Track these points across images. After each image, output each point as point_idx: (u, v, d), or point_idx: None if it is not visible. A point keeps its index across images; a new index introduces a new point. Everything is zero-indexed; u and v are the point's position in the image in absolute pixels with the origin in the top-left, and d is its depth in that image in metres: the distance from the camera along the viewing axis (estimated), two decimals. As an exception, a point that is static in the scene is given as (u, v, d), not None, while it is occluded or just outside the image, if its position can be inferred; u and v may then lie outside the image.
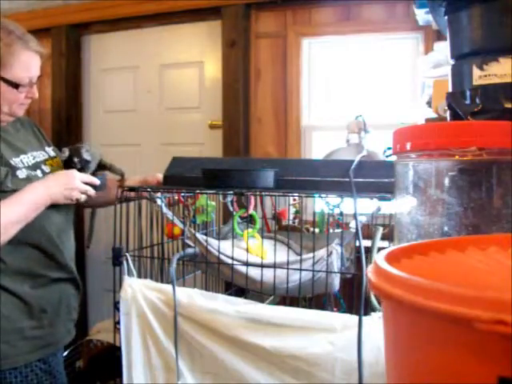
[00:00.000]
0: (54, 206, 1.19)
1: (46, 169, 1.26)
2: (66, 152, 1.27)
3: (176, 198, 1.18)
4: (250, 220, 1.25)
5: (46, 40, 3.00)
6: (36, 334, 1.20)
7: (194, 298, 0.93)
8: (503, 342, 0.26)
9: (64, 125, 2.85)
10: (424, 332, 0.32)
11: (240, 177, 1.02)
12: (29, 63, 1.20)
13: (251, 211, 1.20)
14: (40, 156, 1.27)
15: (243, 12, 2.47)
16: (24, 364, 1.17)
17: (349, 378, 0.80)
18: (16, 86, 1.17)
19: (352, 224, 1.19)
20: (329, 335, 0.82)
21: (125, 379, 0.97)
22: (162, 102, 2.74)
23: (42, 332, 1.21)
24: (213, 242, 1.06)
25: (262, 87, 2.53)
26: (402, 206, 0.64)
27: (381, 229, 0.93)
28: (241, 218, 1.26)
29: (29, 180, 1.17)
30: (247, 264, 0.99)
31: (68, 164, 1.27)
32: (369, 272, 0.38)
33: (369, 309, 0.85)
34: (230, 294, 1.09)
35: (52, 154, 1.33)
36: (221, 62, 2.51)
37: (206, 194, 1.12)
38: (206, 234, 1.17)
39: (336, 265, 0.98)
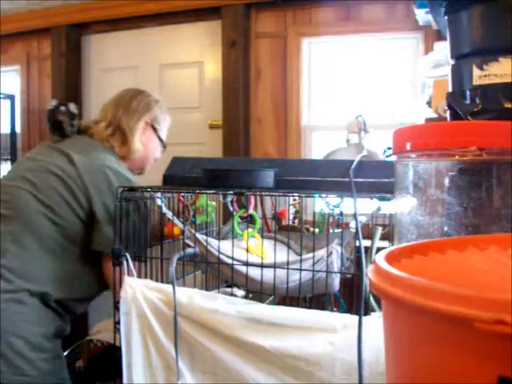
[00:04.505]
0: None
1: None
2: (54, 102, 1.28)
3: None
4: (249, 220, 1.25)
5: (46, 40, 3.01)
6: None
7: (194, 298, 0.93)
8: (503, 342, 0.26)
9: (64, 125, 2.85)
10: (424, 332, 0.32)
11: (240, 177, 1.02)
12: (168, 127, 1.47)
13: (251, 211, 1.20)
14: None
15: (243, 12, 2.47)
16: None
17: (349, 378, 0.80)
18: (164, 145, 1.45)
19: (352, 224, 1.19)
20: (329, 335, 0.82)
21: (125, 379, 0.96)
22: (161, 102, 2.74)
23: None
24: (213, 242, 1.06)
25: (262, 87, 2.53)
26: (402, 206, 0.64)
27: (380, 229, 0.93)
28: (241, 218, 1.26)
29: None
30: (247, 264, 0.99)
31: (53, 114, 1.28)
32: (369, 272, 0.38)
33: (369, 309, 0.85)
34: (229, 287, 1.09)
35: None
36: (221, 62, 2.51)
37: (206, 193, 1.12)
38: (206, 234, 1.17)
39: (336, 265, 0.98)
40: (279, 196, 1.07)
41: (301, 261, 0.98)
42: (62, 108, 1.31)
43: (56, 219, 1.20)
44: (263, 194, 1.05)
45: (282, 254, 1.12)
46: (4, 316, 1.10)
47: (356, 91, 2.43)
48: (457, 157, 0.57)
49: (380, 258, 0.39)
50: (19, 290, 1.14)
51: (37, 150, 1.36)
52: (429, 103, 1.64)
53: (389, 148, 1.48)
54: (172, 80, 2.74)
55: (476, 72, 0.81)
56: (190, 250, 1.07)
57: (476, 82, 0.81)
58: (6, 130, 3.01)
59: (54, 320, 1.21)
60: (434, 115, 1.49)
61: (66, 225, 1.21)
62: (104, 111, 1.43)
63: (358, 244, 0.84)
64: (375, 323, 0.77)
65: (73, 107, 1.33)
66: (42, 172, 1.24)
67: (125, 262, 1.04)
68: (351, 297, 0.88)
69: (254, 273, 0.99)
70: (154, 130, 1.44)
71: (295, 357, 0.83)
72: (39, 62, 3.12)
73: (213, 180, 1.05)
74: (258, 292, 1.05)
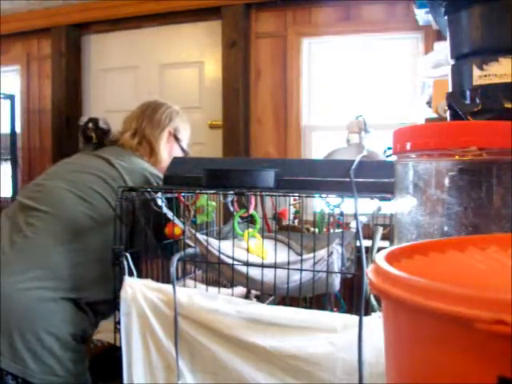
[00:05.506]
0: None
1: None
2: (84, 118, 1.35)
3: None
4: (250, 220, 1.25)
5: (46, 40, 3.01)
6: None
7: (194, 298, 0.93)
8: (503, 342, 0.26)
9: (64, 125, 2.85)
10: (424, 332, 0.32)
11: (240, 177, 1.02)
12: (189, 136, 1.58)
13: (251, 211, 1.20)
14: None
15: (243, 12, 2.47)
16: None
17: (349, 378, 0.80)
18: (185, 153, 1.53)
19: (352, 224, 1.19)
20: (329, 335, 0.82)
21: (125, 379, 0.97)
22: (162, 102, 2.75)
23: None
24: (213, 242, 1.06)
25: (262, 87, 2.53)
26: (402, 206, 0.64)
27: (381, 229, 0.93)
28: (241, 218, 1.26)
29: None
30: (248, 264, 0.99)
31: (84, 129, 1.35)
32: (369, 272, 0.38)
33: (369, 309, 0.85)
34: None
35: None
36: (221, 62, 2.51)
37: (207, 193, 1.12)
38: (206, 234, 1.17)
39: (336, 265, 0.98)
40: (279, 196, 1.07)
41: (301, 261, 0.98)
42: (91, 125, 1.39)
43: (95, 215, 1.23)
44: (263, 193, 1.05)
45: (282, 254, 1.12)
46: (36, 312, 1.11)
47: (356, 91, 2.43)
48: (457, 157, 0.57)
49: (380, 258, 0.39)
50: (53, 289, 1.15)
51: (73, 157, 1.43)
52: (429, 103, 1.64)
53: (389, 148, 1.48)
54: (172, 80, 2.74)
55: (476, 72, 0.81)
56: (190, 250, 1.07)
57: (476, 82, 0.81)
58: (6, 130, 3.01)
59: (82, 322, 1.21)
60: (434, 115, 1.49)
61: (104, 221, 1.23)
62: (127, 122, 1.49)
63: (358, 244, 0.84)
64: (375, 323, 0.78)
65: (102, 123, 1.41)
66: (81, 173, 1.30)
67: (125, 262, 1.04)
68: (351, 297, 0.88)
69: (255, 273, 0.99)
70: (177, 139, 1.51)
71: (295, 357, 0.83)
72: (39, 62, 3.13)
73: (213, 180, 1.05)
74: (258, 295, 1.05)
